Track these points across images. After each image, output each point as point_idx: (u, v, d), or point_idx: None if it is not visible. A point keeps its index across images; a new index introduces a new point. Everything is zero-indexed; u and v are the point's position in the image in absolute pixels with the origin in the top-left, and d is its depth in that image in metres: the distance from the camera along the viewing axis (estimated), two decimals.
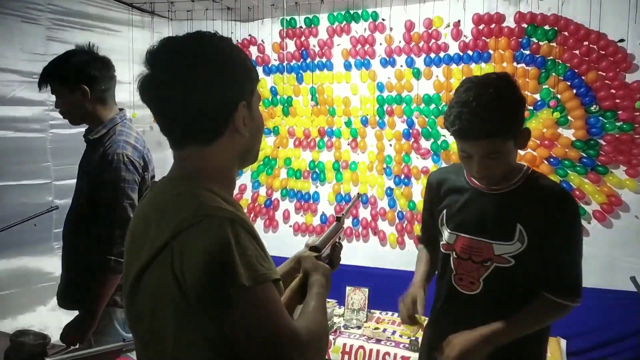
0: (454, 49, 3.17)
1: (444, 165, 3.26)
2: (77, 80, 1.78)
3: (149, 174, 1.87)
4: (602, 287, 2.79)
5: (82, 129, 1.94)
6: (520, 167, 1.46)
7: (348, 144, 3.52)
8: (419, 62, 3.27)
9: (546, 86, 2.97)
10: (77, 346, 1.75)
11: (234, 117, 0.92)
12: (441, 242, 1.53)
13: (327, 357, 2.82)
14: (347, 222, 3.54)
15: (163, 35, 3.80)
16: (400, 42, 3.30)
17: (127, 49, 3.40)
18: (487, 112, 1.27)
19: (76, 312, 1.83)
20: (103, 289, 1.74)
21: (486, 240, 1.42)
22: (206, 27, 3.63)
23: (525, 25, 2.98)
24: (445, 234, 1.50)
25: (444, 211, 1.51)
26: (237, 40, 3.64)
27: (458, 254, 1.47)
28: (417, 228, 3.33)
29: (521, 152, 3.05)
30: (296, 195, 3.70)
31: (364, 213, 3.51)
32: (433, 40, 3.21)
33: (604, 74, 2.83)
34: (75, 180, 1.94)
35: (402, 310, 1.53)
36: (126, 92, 3.45)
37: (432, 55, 3.22)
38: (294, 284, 1.06)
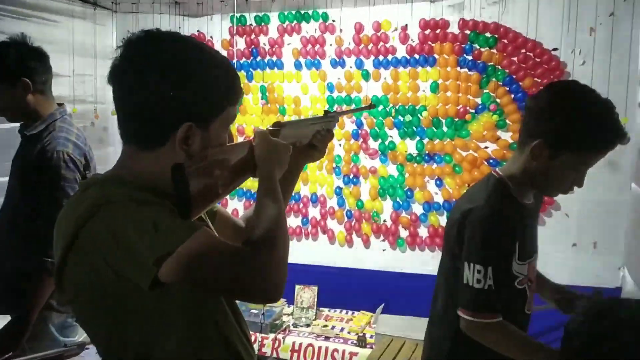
0: (401, 52, 3.26)
1: (391, 164, 3.35)
2: (18, 73, 1.68)
3: (91, 172, 1.79)
4: None
5: (14, 124, 1.84)
6: None
7: None
8: (368, 64, 3.34)
9: (487, 91, 3.12)
10: (9, 354, 1.66)
11: (176, 134, 0.88)
12: (517, 280, 1.37)
13: (276, 357, 2.83)
14: (297, 221, 3.56)
15: (106, 27, 3.68)
16: (350, 43, 3.36)
17: (67, 41, 3.25)
18: None
19: (9, 318, 1.74)
20: (38, 292, 1.66)
21: (537, 252, 1.45)
22: (152, 21, 3.54)
23: (468, 32, 3.11)
24: (519, 267, 1.36)
25: (516, 245, 1.34)
26: None
27: (532, 280, 1.42)
28: (365, 227, 3.41)
29: (463, 153, 3.21)
30: (245, 194, 3.68)
31: (313, 212, 3.54)
32: (382, 43, 3.29)
33: (540, 80, 3.00)
34: (7, 178, 1.83)
35: None
36: (66, 86, 3.32)
37: (381, 57, 3.30)
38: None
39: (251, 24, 3.54)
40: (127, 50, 0.90)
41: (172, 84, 0.87)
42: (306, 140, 1.23)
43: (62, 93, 3.23)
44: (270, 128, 1.11)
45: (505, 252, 1.32)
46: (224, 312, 0.97)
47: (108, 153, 3.52)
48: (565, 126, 1.26)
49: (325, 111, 1.28)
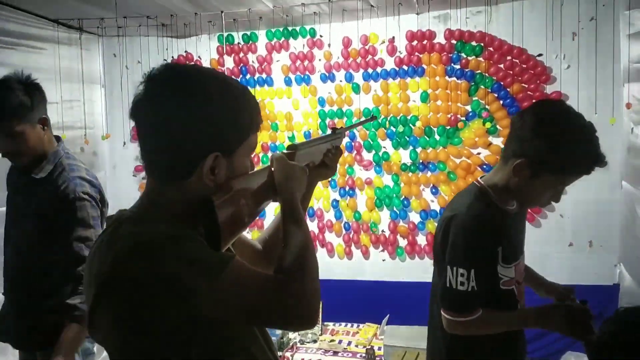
0: (390, 64, 3.31)
1: (386, 175, 3.38)
2: (36, 112, 1.66)
3: (106, 208, 1.79)
4: None
5: None
6: None
7: None
8: (358, 77, 3.37)
9: (476, 98, 3.17)
10: None
11: (202, 164, 0.89)
12: (502, 281, 1.43)
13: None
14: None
15: (93, 52, 3.65)
16: (338, 57, 3.39)
17: (54, 68, 3.21)
18: None
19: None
20: (69, 336, 1.64)
21: (523, 254, 1.53)
22: (139, 44, 3.53)
23: (454, 42, 3.17)
24: (505, 270, 1.43)
25: (499, 249, 1.40)
26: (173, 57, 3.56)
27: (519, 281, 1.48)
28: (364, 238, 3.42)
29: (457, 160, 3.25)
30: None
31: (311, 226, 3.54)
32: (370, 56, 3.33)
33: (527, 85, 3.08)
34: None
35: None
36: (54, 112, 3.27)
37: (370, 70, 3.34)
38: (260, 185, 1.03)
39: (239, 43, 3.56)
40: (149, 84, 0.90)
41: (197, 116, 0.87)
42: (318, 160, 1.25)
43: (51, 120, 3.20)
44: (286, 152, 1.13)
45: (487, 255, 1.39)
46: (254, 335, 0.98)
47: (99, 178, 3.47)
48: (549, 151, 1.32)
49: (332, 129, 1.30)
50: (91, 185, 1.72)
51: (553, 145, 1.32)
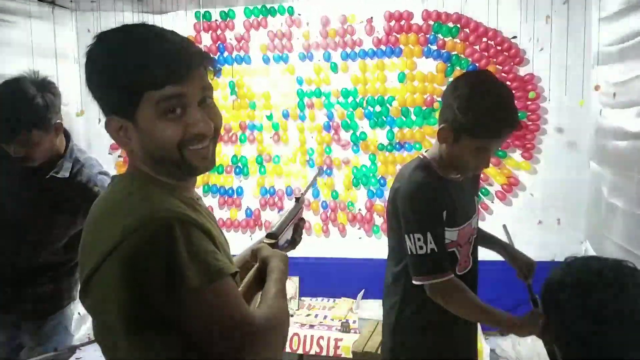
0: (368, 44, 3.33)
1: (363, 154, 3.43)
2: (50, 115, 1.63)
3: None
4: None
5: None
6: None
7: (270, 138, 3.56)
8: (336, 57, 3.39)
9: (452, 79, 3.21)
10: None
11: (113, 128, 0.91)
12: (445, 243, 1.52)
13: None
14: (273, 214, 3.59)
15: (66, 27, 3.57)
16: (317, 37, 3.40)
17: (26, 42, 3.14)
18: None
19: None
20: None
21: (470, 220, 1.59)
22: (114, 19, 3.45)
23: (431, 23, 3.21)
24: (449, 234, 1.51)
25: (444, 214, 1.49)
26: None
27: (461, 244, 1.56)
28: (341, 216, 3.47)
29: (432, 140, 3.31)
30: (219, 190, 3.67)
31: (289, 205, 3.57)
32: (348, 36, 3.34)
33: (501, 67, 3.14)
34: None
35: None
36: None
37: (348, 50, 3.35)
38: (251, 273, 1.06)
39: (216, 20, 3.52)
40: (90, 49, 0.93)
41: (97, 78, 0.90)
42: (289, 236, 1.25)
43: None
44: (268, 241, 1.12)
45: (436, 218, 1.47)
46: None
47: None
48: (462, 114, 1.40)
49: (296, 198, 1.32)
50: (107, 175, 1.78)
51: (464, 107, 1.40)
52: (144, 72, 0.85)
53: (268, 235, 1.16)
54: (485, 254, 1.76)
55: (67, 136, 1.78)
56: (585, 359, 0.98)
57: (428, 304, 1.49)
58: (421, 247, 1.43)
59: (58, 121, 1.68)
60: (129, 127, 0.89)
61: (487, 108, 1.39)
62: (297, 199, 1.31)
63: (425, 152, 1.60)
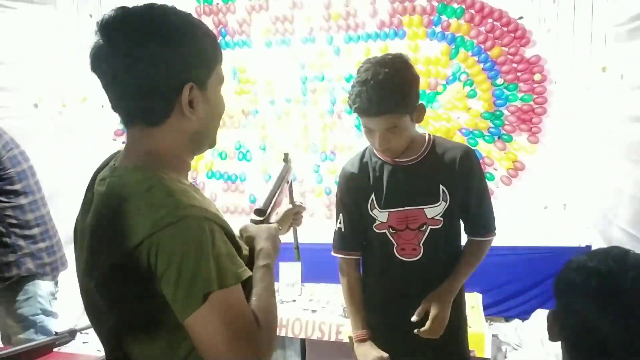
0: (371, 27, 3.27)
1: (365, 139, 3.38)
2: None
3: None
4: (511, 244, 3.08)
5: None
6: (423, 136, 1.62)
7: (273, 123, 3.54)
8: (339, 40, 3.34)
9: (456, 61, 3.17)
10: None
11: (180, 99, 0.90)
12: (374, 225, 1.62)
13: None
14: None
15: (67, 12, 3.55)
16: (320, 20, 3.34)
17: (27, 29, 3.13)
18: (384, 90, 1.40)
19: None
20: None
21: (417, 207, 1.56)
22: (116, 4, 3.42)
23: (436, 4, 3.14)
24: (378, 215, 1.61)
25: (372, 195, 1.60)
26: None
27: (395, 228, 1.59)
28: None
29: (436, 124, 3.26)
30: (222, 176, 3.67)
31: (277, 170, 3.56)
32: (352, 18, 3.29)
33: (507, 49, 3.07)
34: None
35: None
36: (29, 76, 3.20)
37: (352, 33, 3.30)
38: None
39: (218, 4, 3.48)
40: (106, 31, 0.89)
41: (163, 53, 0.87)
42: (281, 200, 1.30)
43: (26, 84, 3.13)
44: (256, 218, 1.14)
45: (352, 200, 1.64)
46: None
47: (80, 142, 3.45)
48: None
49: (284, 160, 1.41)
50: None
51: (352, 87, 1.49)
52: (217, 47, 0.98)
53: (256, 212, 1.15)
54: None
55: None
56: (592, 345, 0.95)
57: (366, 279, 1.71)
58: (337, 225, 1.69)
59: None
60: (198, 97, 0.92)
61: (352, 86, 1.47)
62: (285, 159, 1.38)
63: None
